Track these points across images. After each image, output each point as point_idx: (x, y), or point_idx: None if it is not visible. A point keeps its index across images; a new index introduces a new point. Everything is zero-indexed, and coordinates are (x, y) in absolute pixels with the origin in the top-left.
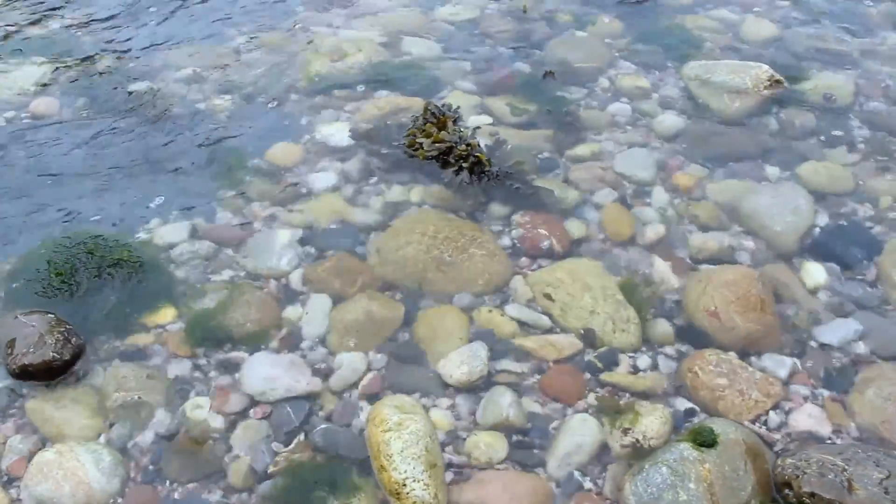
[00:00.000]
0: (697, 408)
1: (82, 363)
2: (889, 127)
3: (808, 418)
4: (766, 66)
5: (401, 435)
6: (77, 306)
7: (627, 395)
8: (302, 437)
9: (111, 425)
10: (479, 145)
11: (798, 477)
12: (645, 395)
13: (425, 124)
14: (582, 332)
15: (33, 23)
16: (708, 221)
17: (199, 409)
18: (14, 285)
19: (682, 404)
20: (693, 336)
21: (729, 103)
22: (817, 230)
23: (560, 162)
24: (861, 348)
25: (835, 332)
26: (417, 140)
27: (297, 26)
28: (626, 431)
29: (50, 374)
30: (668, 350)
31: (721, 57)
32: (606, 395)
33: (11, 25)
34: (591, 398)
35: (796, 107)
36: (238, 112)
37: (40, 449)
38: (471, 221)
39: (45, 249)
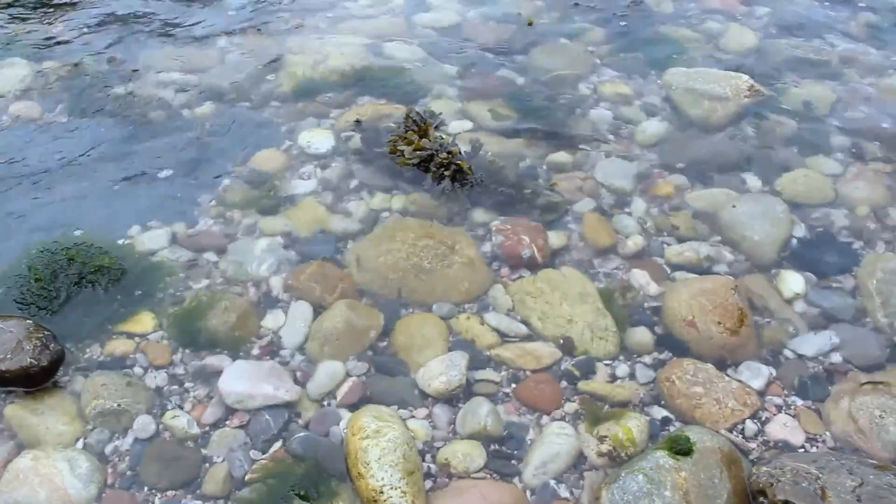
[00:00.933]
0: (674, 416)
1: (61, 370)
2: (868, 137)
3: (783, 427)
4: (746, 77)
5: (378, 442)
6: (57, 313)
7: (605, 403)
8: (280, 444)
9: (89, 432)
10: (460, 153)
11: (772, 485)
12: (622, 404)
13: (407, 132)
14: (561, 340)
15: (16, 26)
16: (687, 231)
17: (178, 417)
18: None
19: (659, 413)
20: (671, 345)
21: (710, 112)
22: (795, 240)
23: (541, 170)
24: (837, 359)
25: (811, 342)
26: (399, 147)
27: (281, 32)
28: (602, 440)
29: (28, 381)
30: (646, 359)
31: (703, 65)
32: (584, 404)
33: None
34: (569, 407)
35: (776, 116)
36: (221, 117)
37: (16, 455)
38: (451, 229)
39: (24, 255)
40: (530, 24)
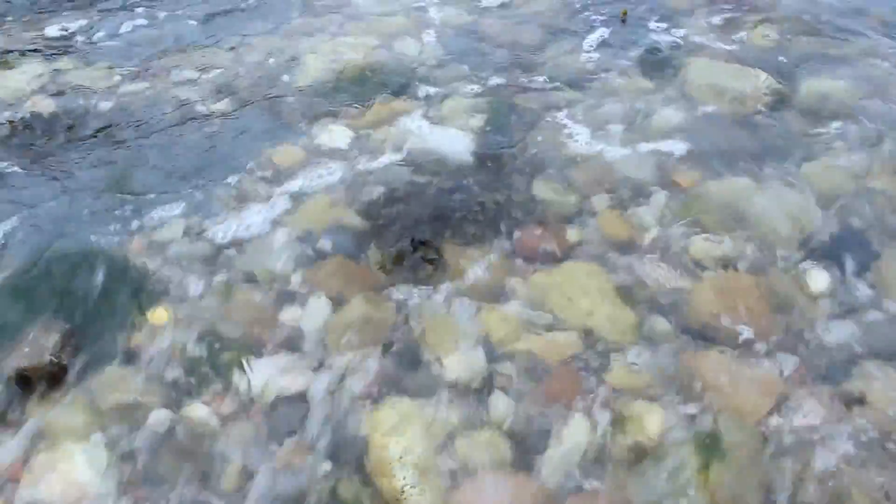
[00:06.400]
0: (698, 410)
1: (79, 365)
2: (889, 129)
3: (809, 420)
4: (765, 74)
5: (399, 441)
6: (73, 309)
7: (628, 396)
8: (298, 439)
9: (106, 426)
10: None
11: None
12: (646, 397)
13: None
14: (581, 333)
15: (31, 25)
16: (708, 223)
17: (195, 411)
18: (10, 288)
19: (683, 405)
20: (693, 338)
21: (730, 105)
22: (818, 232)
23: (558, 164)
24: (861, 350)
25: (835, 334)
26: None
27: (294, 30)
28: (625, 433)
29: (47, 378)
30: (668, 352)
31: (721, 59)
32: (606, 397)
33: (10, 26)
34: (591, 399)
35: (796, 110)
36: (236, 114)
37: (34, 450)
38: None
39: (40, 253)
40: (624, 15)
